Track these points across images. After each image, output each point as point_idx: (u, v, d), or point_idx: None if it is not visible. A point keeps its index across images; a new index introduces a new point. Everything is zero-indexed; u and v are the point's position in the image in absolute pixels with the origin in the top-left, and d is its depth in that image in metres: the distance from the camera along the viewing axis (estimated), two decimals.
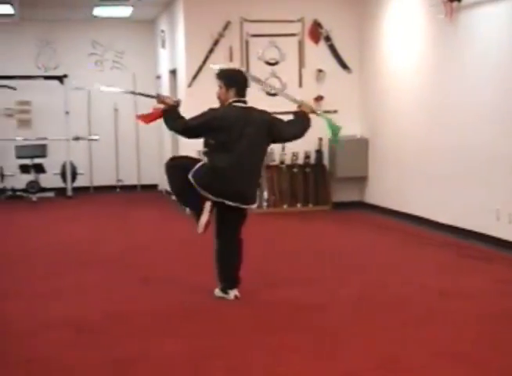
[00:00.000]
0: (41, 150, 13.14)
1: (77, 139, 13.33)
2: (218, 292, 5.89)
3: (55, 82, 13.26)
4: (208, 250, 6.05)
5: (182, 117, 5.85)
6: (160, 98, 6.08)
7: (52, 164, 13.21)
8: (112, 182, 14.20)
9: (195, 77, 10.96)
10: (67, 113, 13.21)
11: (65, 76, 13.26)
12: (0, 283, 6.63)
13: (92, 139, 13.74)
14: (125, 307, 5.70)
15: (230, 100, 5.84)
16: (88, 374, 4.29)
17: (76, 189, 13.31)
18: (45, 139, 13.21)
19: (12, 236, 9.30)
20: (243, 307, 5.65)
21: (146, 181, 14.32)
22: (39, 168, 13.03)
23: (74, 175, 13.41)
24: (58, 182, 13.32)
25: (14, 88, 13.03)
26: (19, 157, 13.05)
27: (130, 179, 14.31)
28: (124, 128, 14.23)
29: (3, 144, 13.18)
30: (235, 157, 5.68)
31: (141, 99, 14.15)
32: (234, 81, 5.89)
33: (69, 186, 13.22)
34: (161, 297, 6.00)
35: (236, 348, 4.70)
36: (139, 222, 10.43)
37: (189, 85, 11.01)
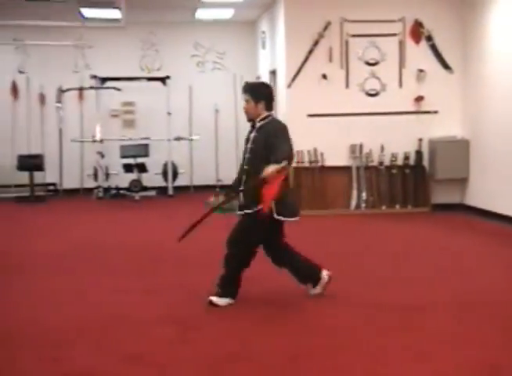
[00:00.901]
0: (143, 150, 13.48)
1: (178, 139, 13.60)
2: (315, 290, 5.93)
3: (158, 83, 13.57)
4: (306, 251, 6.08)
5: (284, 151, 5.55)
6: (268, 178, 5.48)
7: (153, 163, 13.54)
8: (212, 181, 14.41)
9: (294, 77, 11.02)
10: (169, 113, 13.50)
11: (167, 77, 13.55)
12: (114, 278, 6.82)
13: (193, 139, 13.99)
14: (228, 305, 5.81)
15: (264, 114, 5.80)
16: (196, 370, 4.39)
17: (176, 189, 13.58)
18: (147, 139, 13.54)
19: (116, 233, 9.57)
20: (342, 307, 5.67)
21: None
22: (142, 168, 13.36)
23: (175, 174, 13.68)
24: (159, 182, 13.63)
25: (119, 90, 13.40)
26: (123, 156, 13.42)
27: (229, 179, 14.41)
28: (224, 129, 14.42)
29: (109, 144, 13.59)
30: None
31: (241, 101, 14.37)
32: (262, 94, 5.84)
33: (170, 185, 13.50)
34: (262, 296, 6.08)
35: (335, 348, 4.72)
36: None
37: (289, 86, 11.07)
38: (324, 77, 10.99)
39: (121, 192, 13.35)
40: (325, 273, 5.88)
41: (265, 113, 5.80)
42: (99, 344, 4.88)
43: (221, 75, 14.43)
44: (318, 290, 5.92)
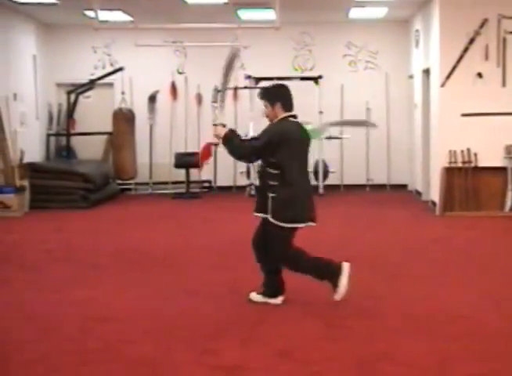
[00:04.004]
0: None
1: (329, 138, 13.67)
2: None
3: (311, 83, 13.70)
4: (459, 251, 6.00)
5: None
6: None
7: None
8: (362, 181, 14.40)
9: (449, 76, 10.82)
10: (321, 112, 13.59)
11: (320, 77, 13.65)
12: (216, 275, 6.93)
13: (344, 138, 14.02)
14: (374, 304, 5.84)
15: (282, 116, 5.69)
16: (343, 367, 4.45)
17: (327, 187, 13.67)
18: None
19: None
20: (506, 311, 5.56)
21: (395, 180, 14.34)
22: None
23: (326, 173, 13.77)
24: (311, 180, 13.74)
25: None
26: None
27: (380, 179, 14.41)
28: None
29: None
30: (306, 173, 5.80)
31: (393, 99, 14.28)
32: (276, 95, 5.72)
33: (320, 184, 13.60)
34: (409, 295, 6.06)
35: (488, 353, 4.64)
36: (386, 222, 10.48)
37: (442, 85, 10.88)
38: (479, 75, 10.72)
39: None
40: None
41: (283, 115, 5.72)
42: (247, 338, 5.02)
43: (374, 74, 14.37)
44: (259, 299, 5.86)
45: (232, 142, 5.69)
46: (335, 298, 5.65)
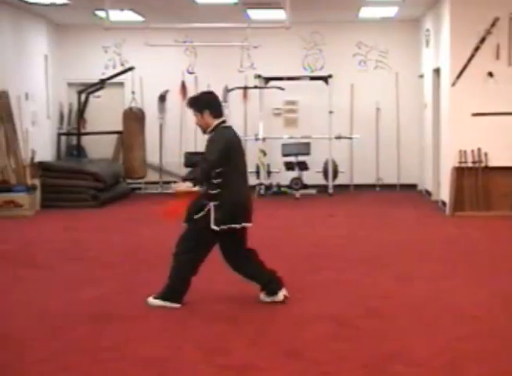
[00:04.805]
0: (305, 148, 13.65)
1: (339, 137, 13.67)
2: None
3: (321, 82, 13.70)
4: (472, 251, 6.00)
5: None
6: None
7: (314, 161, 13.68)
8: (372, 180, 14.39)
9: (459, 75, 10.79)
10: (331, 112, 13.59)
11: (330, 76, 13.64)
12: (225, 274, 7.00)
13: (353, 138, 14.02)
14: (385, 304, 5.84)
15: (214, 124, 5.70)
16: (352, 367, 4.45)
17: (336, 187, 13.66)
18: (309, 137, 13.71)
19: (277, 229, 9.79)
20: None
21: (405, 180, 14.31)
22: (303, 166, 13.54)
23: (335, 173, 13.74)
24: (319, 180, 13.76)
25: (282, 89, 13.65)
26: (284, 154, 13.67)
27: (390, 178, 14.39)
28: (385, 127, 14.36)
29: (271, 142, 13.89)
30: (245, 177, 5.85)
31: (403, 99, 14.27)
32: (203, 103, 5.73)
33: (330, 183, 13.59)
34: (419, 295, 6.06)
35: (495, 353, 4.64)
36: (396, 222, 10.47)
37: (453, 84, 10.85)
38: (490, 74, 10.69)
39: (282, 189, 13.61)
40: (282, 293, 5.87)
41: (215, 122, 5.72)
42: (257, 338, 5.04)
43: (384, 74, 14.35)
44: (267, 299, 5.88)
45: (192, 176, 5.75)
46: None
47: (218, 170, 5.61)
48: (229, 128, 5.84)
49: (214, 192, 5.64)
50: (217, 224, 5.63)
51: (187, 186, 5.65)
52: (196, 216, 5.69)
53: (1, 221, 10.55)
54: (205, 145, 5.74)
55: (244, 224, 5.75)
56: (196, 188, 5.64)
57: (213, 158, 5.58)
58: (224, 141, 5.66)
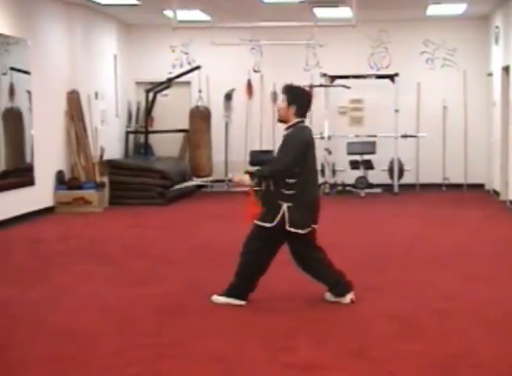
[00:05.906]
0: (370, 147, 13.59)
1: (404, 136, 13.56)
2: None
3: (387, 81, 13.61)
4: None
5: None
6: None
7: (379, 160, 13.60)
8: (438, 180, 14.23)
9: None
10: (397, 111, 13.49)
11: (396, 74, 13.54)
12: (289, 273, 7.01)
13: (420, 137, 13.88)
14: (450, 304, 5.80)
15: (294, 121, 5.66)
16: (418, 367, 4.44)
17: (402, 186, 13.55)
18: (374, 136, 13.63)
19: (341, 228, 9.78)
20: None
21: (472, 180, 14.10)
22: (368, 165, 13.48)
23: (401, 172, 13.64)
24: (385, 179, 13.68)
25: (348, 87, 13.61)
26: (350, 153, 13.63)
27: (456, 178, 14.20)
28: (452, 126, 14.19)
29: (336, 141, 13.87)
30: (317, 177, 5.91)
31: (471, 97, 14.06)
32: (297, 98, 5.66)
33: (395, 182, 13.49)
34: (484, 296, 6.00)
35: None
36: (462, 222, 10.33)
37: None
38: None
39: (347, 188, 13.57)
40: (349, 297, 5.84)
41: (295, 120, 5.68)
42: (322, 337, 5.05)
43: (451, 72, 14.18)
44: (332, 299, 5.86)
45: (260, 173, 5.74)
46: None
47: (294, 170, 5.60)
48: (306, 127, 5.82)
49: (288, 192, 5.63)
50: (293, 225, 5.64)
51: (245, 179, 5.73)
52: (272, 217, 5.66)
53: (71, 217, 10.83)
54: (281, 141, 5.74)
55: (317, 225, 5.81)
56: (253, 184, 5.69)
57: (287, 160, 5.57)
58: (301, 141, 5.64)
